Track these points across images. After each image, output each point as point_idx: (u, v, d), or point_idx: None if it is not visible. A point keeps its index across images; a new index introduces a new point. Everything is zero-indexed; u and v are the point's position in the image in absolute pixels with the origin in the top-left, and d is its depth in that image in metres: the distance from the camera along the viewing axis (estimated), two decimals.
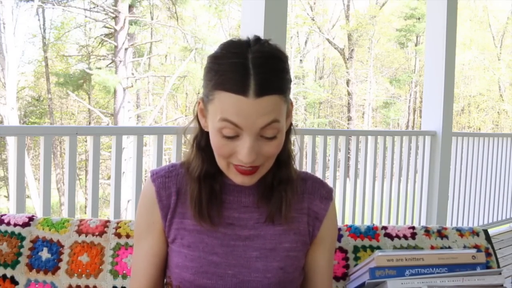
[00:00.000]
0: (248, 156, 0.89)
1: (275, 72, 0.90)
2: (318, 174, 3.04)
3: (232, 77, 0.87)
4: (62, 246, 1.20)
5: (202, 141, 1.00)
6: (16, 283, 1.16)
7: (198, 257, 0.99)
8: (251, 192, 1.02)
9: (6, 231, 1.19)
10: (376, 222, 3.47)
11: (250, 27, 2.58)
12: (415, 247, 1.28)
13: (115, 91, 11.69)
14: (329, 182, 3.09)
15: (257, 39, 0.93)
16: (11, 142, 2.79)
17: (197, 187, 0.99)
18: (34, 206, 11.16)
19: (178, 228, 1.01)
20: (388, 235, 1.30)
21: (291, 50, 17.32)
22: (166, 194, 1.02)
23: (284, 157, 1.01)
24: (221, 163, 0.95)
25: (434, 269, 1.05)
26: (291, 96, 0.99)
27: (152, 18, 14.00)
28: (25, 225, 1.21)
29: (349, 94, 18.68)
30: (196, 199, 0.98)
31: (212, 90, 0.90)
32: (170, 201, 1.01)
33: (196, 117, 1.00)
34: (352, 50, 18.52)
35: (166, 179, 1.02)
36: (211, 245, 0.99)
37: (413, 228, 1.32)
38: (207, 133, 0.97)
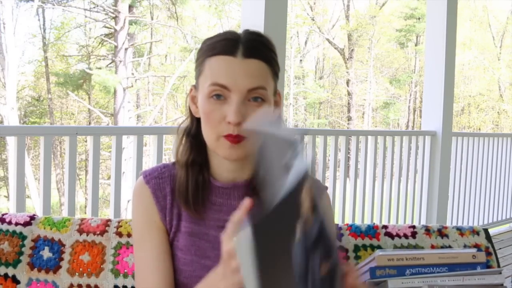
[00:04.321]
0: (235, 114, 0.90)
1: (263, 45, 0.96)
2: (318, 174, 3.05)
3: (223, 43, 0.93)
4: (64, 245, 1.20)
5: (192, 129, 1.02)
6: (18, 282, 1.16)
7: (191, 261, 0.98)
8: (241, 195, 1.01)
9: (7, 230, 1.20)
10: (376, 222, 3.47)
11: (250, 27, 2.58)
12: (416, 246, 1.28)
13: (115, 91, 11.69)
14: (329, 182, 3.09)
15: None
16: (11, 142, 2.79)
17: (184, 173, 0.99)
18: (34, 206, 11.16)
19: (175, 231, 1.01)
20: (388, 234, 1.30)
21: (291, 50, 17.31)
22: (162, 195, 1.02)
23: None
24: (211, 136, 0.95)
25: (435, 268, 1.05)
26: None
27: (152, 18, 14.01)
28: (27, 224, 1.22)
29: (349, 94, 18.68)
30: (183, 185, 0.99)
31: (203, 61, 0.95)
32: (166, 202, 1.01)
33: (189, 108, 1.02)
34: (352, 50, 18.52)
35: (160, 180, 1.02)
36: (203, 249, 0.99)
37: (414, 227, 1.32)
38: (198, 122, 0.99)
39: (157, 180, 1.02)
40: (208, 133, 0.95)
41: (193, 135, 1.01)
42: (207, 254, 0.99)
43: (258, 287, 0.55)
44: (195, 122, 1.01)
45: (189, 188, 0.99)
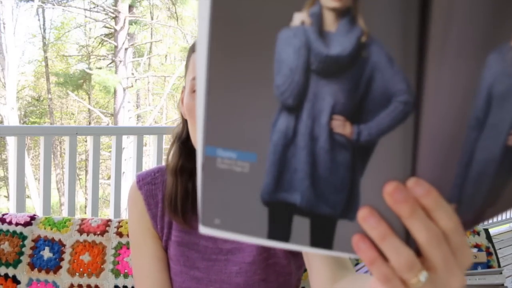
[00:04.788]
0: None
1: None
2: None
3: None
4: (64, 245, 1.20)
5: (183, 134, 0.98)
6: (18, 282, 1.16)
7: (180, 272, 0.96)
8: None
9: (8, 230, 1.20)
10: None
11: None
12: None
13: (115, 91, 11.69)
14: None
15: None
16: (11, 142, 2.79)
17: (173, 181, 0.96)
18: (34, 206, 11.16)
19: (166, 239, 0.99)
20: None
21: None
22: (154, 202, 0.99)
23: None
24: (195, 136, 0.90)
25: None
26: None
27: (152, 18, 14.01)
28: (27, 224, 1.22)
29: None
30: (172, 193, 0.95)
31: (189, 59, 0.91)
32: (157, 210, 0.98)
33: (181, 113, 0.98)
34: None
35: (152, 187, 0.99)
36: (192, 259, 0.96)
37: None
38: (187, 125, 0.95)
39: (149, 187, 0.99)
40: (192, 133, 0.90)
41: (183, 140, 0.97)
42: (196, 265, 0.95)
43: (207, 65, 0.38)
44: (185, 127, 0.97)
45: (178, 196, 0.95)
